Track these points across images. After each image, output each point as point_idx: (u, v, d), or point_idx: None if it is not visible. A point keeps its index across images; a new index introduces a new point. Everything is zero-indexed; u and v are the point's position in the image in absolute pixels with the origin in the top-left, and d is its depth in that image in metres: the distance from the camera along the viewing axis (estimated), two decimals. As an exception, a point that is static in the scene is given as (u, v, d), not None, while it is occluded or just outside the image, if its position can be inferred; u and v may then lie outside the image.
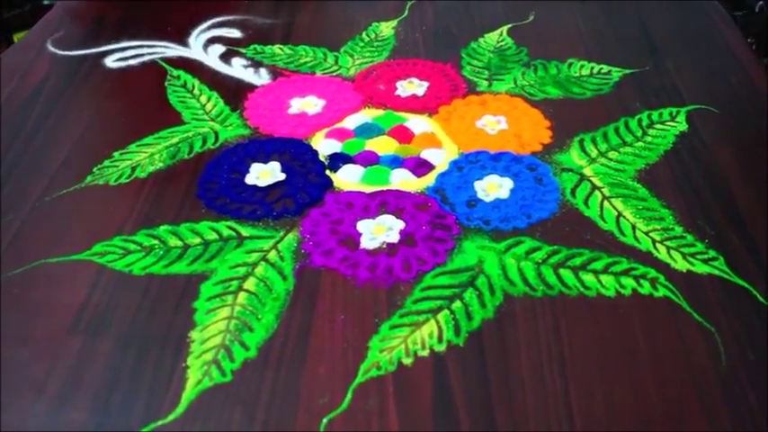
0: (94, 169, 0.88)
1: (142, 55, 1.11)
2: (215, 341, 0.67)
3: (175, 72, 1.07)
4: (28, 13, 1.91)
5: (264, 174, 0.86)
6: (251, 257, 0.76)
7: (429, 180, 0.86)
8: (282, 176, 0.86)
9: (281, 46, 1.13)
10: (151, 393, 0.63)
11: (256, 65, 1.09)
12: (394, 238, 0.78)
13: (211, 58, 1.10)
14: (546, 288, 0.72)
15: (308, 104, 0.99)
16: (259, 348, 0.67)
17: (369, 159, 0.89)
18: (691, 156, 0.89)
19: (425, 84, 1.03)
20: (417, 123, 0.95)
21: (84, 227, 0.80)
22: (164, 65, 1.08)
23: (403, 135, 0.93)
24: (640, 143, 0.91)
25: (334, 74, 1.07)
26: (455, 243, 0.77)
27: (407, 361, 0.66)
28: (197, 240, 0.78)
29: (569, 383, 0.64)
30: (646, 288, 0.72)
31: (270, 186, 0.85)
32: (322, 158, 0.89)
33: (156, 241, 0.78)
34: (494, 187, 0.85)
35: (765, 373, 0.65)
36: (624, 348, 0.67)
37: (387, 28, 1.18)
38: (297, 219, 0.81)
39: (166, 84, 1.04)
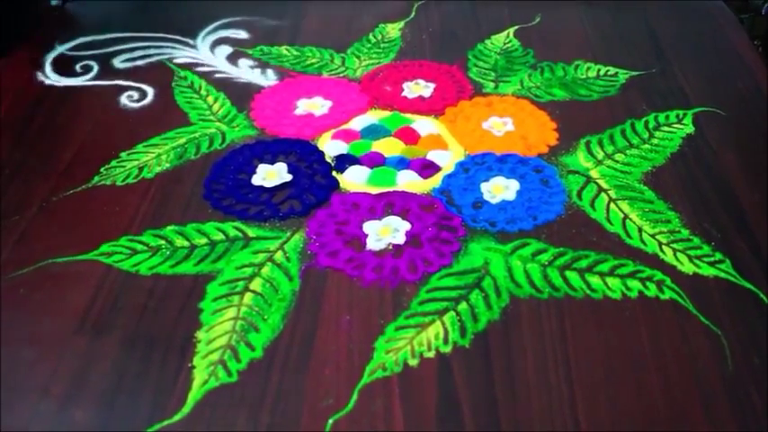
0: (102, 169, 0.88)
1: (149, 56, 1.11)
2: (221, 341, 0.68)
3: (182, 73, 1.07)
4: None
5: (271, 174, 0.87)
6: (257, 258, 0.76)
7: (435, 181, 0.86)
8: (289, 177, 0.86)
9: (288, 47, 1.13)
10: (157, 393, 0.63)
11: (263, 66, 1.09)
12: (400, 239, 0.78)
13: (218, 59, 1.10)
14: (552, 290, 0.72)
15: (315, 105, 0.99)
16: (265, 349, 0.67)
17: (375, 161, 0.89)
18: (697, 158, 0.89)
19: (432, 85, 1.03)
20: (424, 125, 0.96)
21: (90, 227, 0.81)
22: (171, 66, 1.09)
23: (409, 136, 0.93)
24: (647, 145, 0.91)
25: (341, 75, 1.07)
26: (461, 245, 0.77)
27: (413, 362, 0.66)
28: (203, 241, 0.78)
29: (574, 385, 0.64)
30: (652, 290, 0.72)
31: (276, 187, 0.85)
32: (328, 159, 0.90)
33: (162, 241, 0.78)
34: (500, 189, 0.85)
35: (771, 377, 0.65)
36: (630, 351, 0.67)
37: (393, 29, 1.18)
38: (303, 220, 0.81)
39: (173, 84, 1.04)
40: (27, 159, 0.90)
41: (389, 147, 0.92)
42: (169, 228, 0.80)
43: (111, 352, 0.67)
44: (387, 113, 0.98)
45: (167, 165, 0.89)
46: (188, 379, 0.64)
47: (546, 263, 0.75)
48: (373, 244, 0.77)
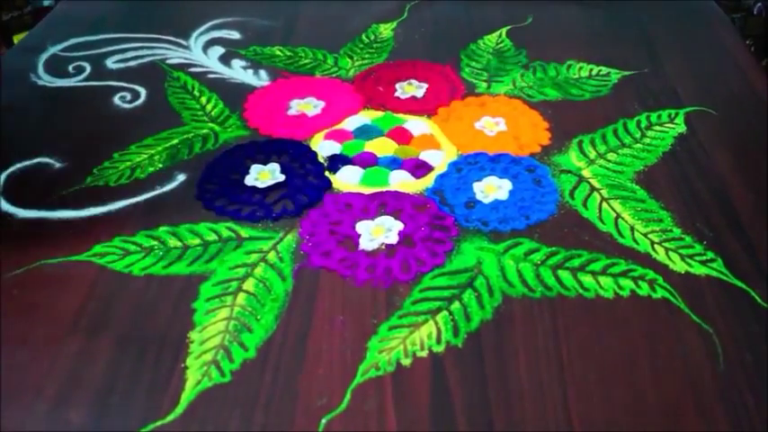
0: (94, 170, 0.88)
1: (142, 56, 1.11)
2: (214, 342, 0.68)
3: (175, 73, 1.07)
4: (28, 15, 1.91)
5: (264, 175, 0.87)
6: (250, 258, 0.76)
7: (428, 181, 0.86)
8: (282, 178, 0.86)
9: (281, 47, 1.13)
10: (150, 394, 0.63)
11: (256, 66, 1.09)
12: (393, 239, 0.78)
13: (211, 59, 1.10)
14: (544, 289, 0.73)
15: (308, 106, 1.00)
16: (258, 349, 0.67)
17: (368, 161, 0.89)
18: (689, 157, 0.90)
19: (424, 85, 1.03)
20: (416, 125, 0.96)
21: (83, 228, 0.81)
22: (164, 66, 1.09)
23: (402, 136, 0.93)
24: (639, 145, 0.92)
25: (334, 75, 1.07)
26: (454, 244, 0.77)
27: (406, 362, 0.66)
28: (196, 241, 0.78)
29: (567, 384, 0.64)
30: (644, 289, 0.72)
31: (269, 187, 0.85)
32: (321, 160, 0.90)
33: (155, 242, 0.78)
34: (492, 189, 0.85)
35: (763, 375, 0.65)
36: (622, 349, 0.67)
37: (386, 29, 1.18)
38: (296, 220, 0.81)
39: (166, 85, 1.04)
40: (20, 160, 0.90)
41: (382, 147, 0.92)
42: (162, 228, 0.80)
43: (105, 353, 0.67)
44: (379, 113, 0.98)
45: (160, 165, 0.89)
46: (181, 379, 0.64)
47: (538, 262, 0.75)
48: (366, 244, 0.78)
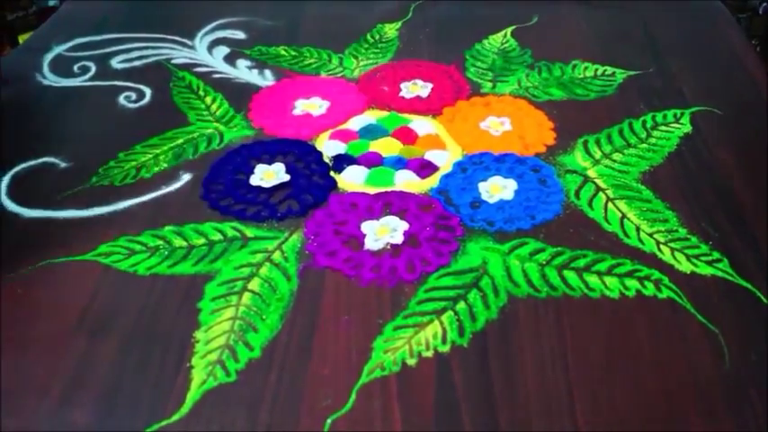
0: (100, 170, 0.88)
1: (147, 56, 1.11)
2: (219, 341, 0.68)
3: (180, 73, 1.07)
4: (33, 16, 1.91)
5: (269, 175, 0.87)
6: (255, 258, 0.76)
7: (433, 181, 0.86)
8: (287, 177, 0.86)
9: (286, 47, 1.14)
10: (156, 393, 0.63)
11: (261, 66, 1.09)
12: (398, 239, 0.78)
13: (216, 59, 1.10)
14: (550, 289, 0.72)
15: (313, 106, 0.99)
16: (263, 349, 0.67)
17: (373, 161, 0.89)
18: (694, 157, 0.89)
19: (429, 85, 1.03)
20: (421, 125, 0.96)
21: (88, 227, 0.81)
22: (169, 66, 1.09)
23: (407, 136, 0.93)
24: (644, 145, 0.91)
25: (339, 75, 1.07)
26: (459, 244, 0.77)
27: (411, 362, 0.66)
28: (201, 241, 0.78)
29: (572, 384, 0.64)
30: (650, 289, 0.72)
31: (274, 187, 0.85)
32: (326, 159, 0.90)
33: (160, 242, 0.78)
34: (498, 189, 0.85)
35: (769, 375, 0.65)
36: (628, 349, 0.67)
37: (391, 29, 1.18)
38: (301, 220, 0.81)
39: (171, 85, 1.04)
40: (26, 159, 0.90)
41: (387, 147, 0.92)
42: (167, 228, 0.80)
43: (110, 352, 0.67)
44: (384, 113, 0.98)
45: (165, 165, 0.89)
46: (187, 379, 0.64)
47: (544, 262, 0.75)
48: (371, 244, 0.77)
